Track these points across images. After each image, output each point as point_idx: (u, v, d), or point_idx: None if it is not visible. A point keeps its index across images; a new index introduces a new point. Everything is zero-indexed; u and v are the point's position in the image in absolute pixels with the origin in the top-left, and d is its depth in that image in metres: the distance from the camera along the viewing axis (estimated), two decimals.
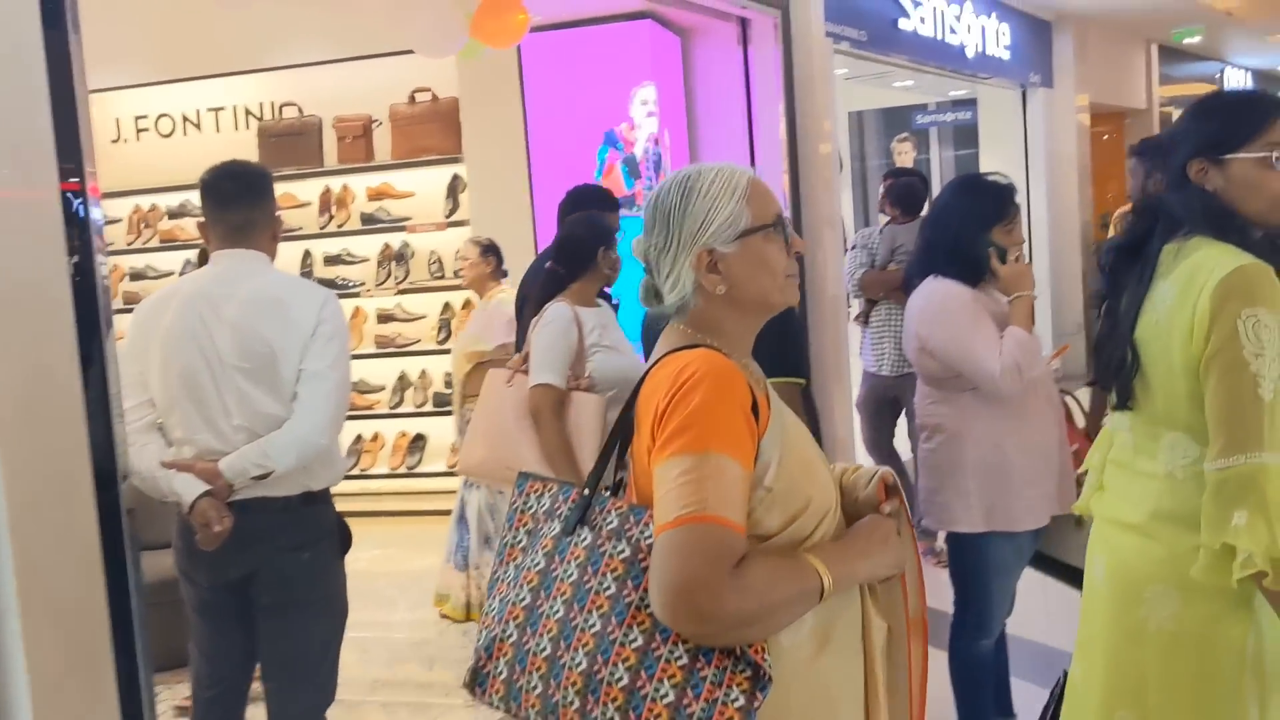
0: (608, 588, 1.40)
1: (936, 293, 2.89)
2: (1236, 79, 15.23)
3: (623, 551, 1.42)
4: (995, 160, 10.00)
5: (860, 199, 10.97)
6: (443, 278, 6.82)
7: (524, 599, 1.49)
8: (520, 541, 1.57)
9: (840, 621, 1.49)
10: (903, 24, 7.59)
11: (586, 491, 1.51)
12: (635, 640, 1.36)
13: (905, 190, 5.51)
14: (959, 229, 2.87)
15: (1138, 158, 4.16)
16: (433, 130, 6.60)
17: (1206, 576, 1.74)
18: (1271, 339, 1.70)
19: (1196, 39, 11.92)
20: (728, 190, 1.51)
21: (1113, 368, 1.91)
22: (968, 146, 11.44)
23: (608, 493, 1.53)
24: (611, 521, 1.46)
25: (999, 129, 10.47)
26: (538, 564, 1.51)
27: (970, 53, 8.90)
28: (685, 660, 1.34)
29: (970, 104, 10.85)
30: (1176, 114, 13.47)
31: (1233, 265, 1.75)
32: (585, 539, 1.47)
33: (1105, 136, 12.56)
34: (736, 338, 1.55)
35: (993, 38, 9.28)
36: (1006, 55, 9.58)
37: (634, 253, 1.60)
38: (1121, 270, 1.94)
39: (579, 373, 3.30)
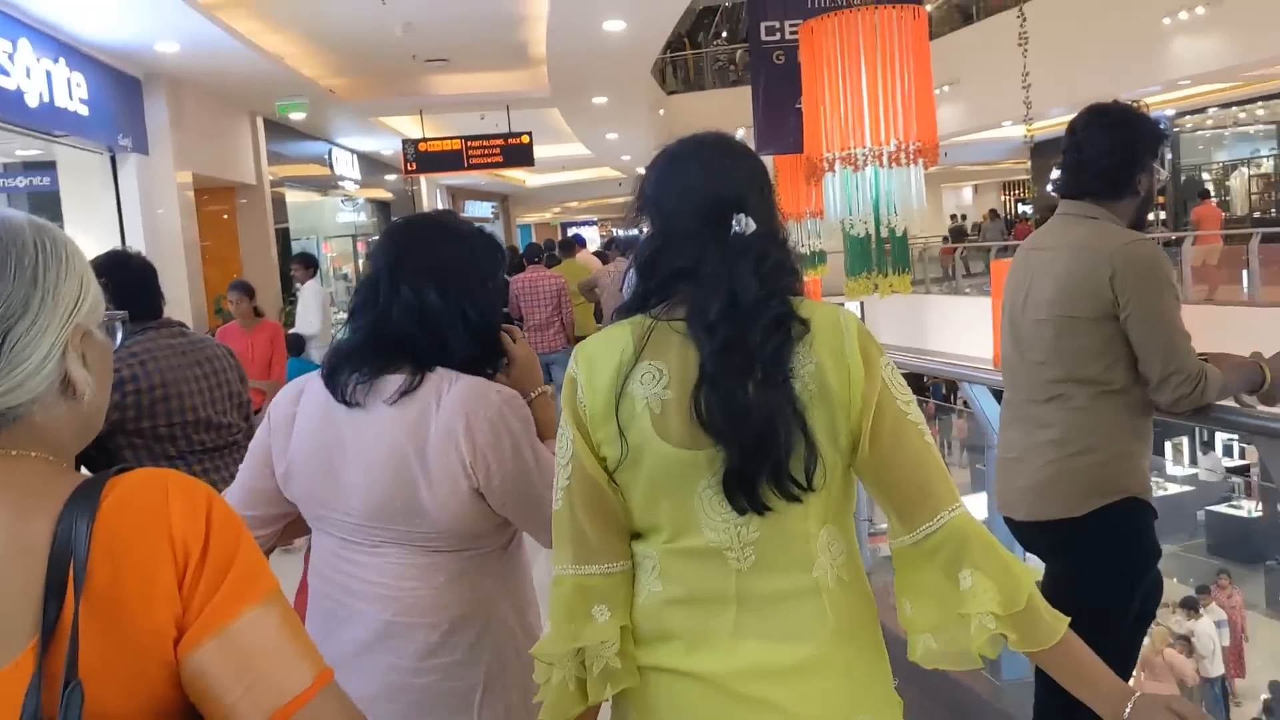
0: None
1: (486, 399, 1.79)
2: (344, 160, 15.56)
3: None
4: (84, 236, 8.43)
5: None
6: None
7: None
8: None
9: None
10: None
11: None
12: None
13: None
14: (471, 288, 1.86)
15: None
16: None
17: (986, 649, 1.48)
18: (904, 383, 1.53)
19: (302, 115, 11.66)
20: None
21: (780, 455, 1.45)
22: (52, 216, 9.66)
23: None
24: None
25: (86, 198, 8.95)
26: None
27: (33, 101, 7.29)
28: None
29: (50, 167, 9.14)
30: (290, 194, 13.24)
31: (842, 308, 1.54)
32: None
33: (224, 215, 11.72)
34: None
35: (64, 87, 7.77)
36: (85, 111, 8.14)
37: None
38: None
39: None
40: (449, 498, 1.71)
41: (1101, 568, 2.45)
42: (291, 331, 8.37)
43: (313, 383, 1.84)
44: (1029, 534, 2.65)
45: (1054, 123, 15.27)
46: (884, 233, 7.43)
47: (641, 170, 1.69)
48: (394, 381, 1.75)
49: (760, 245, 1.49)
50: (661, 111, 19.24)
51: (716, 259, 1.47)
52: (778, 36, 12.88)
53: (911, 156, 7.30)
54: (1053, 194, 2.74)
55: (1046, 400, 2.54)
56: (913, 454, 1.49)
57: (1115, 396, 2.46)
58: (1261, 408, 2.50)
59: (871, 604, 1.57)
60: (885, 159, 7.28)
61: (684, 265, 1.49)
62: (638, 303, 1.55)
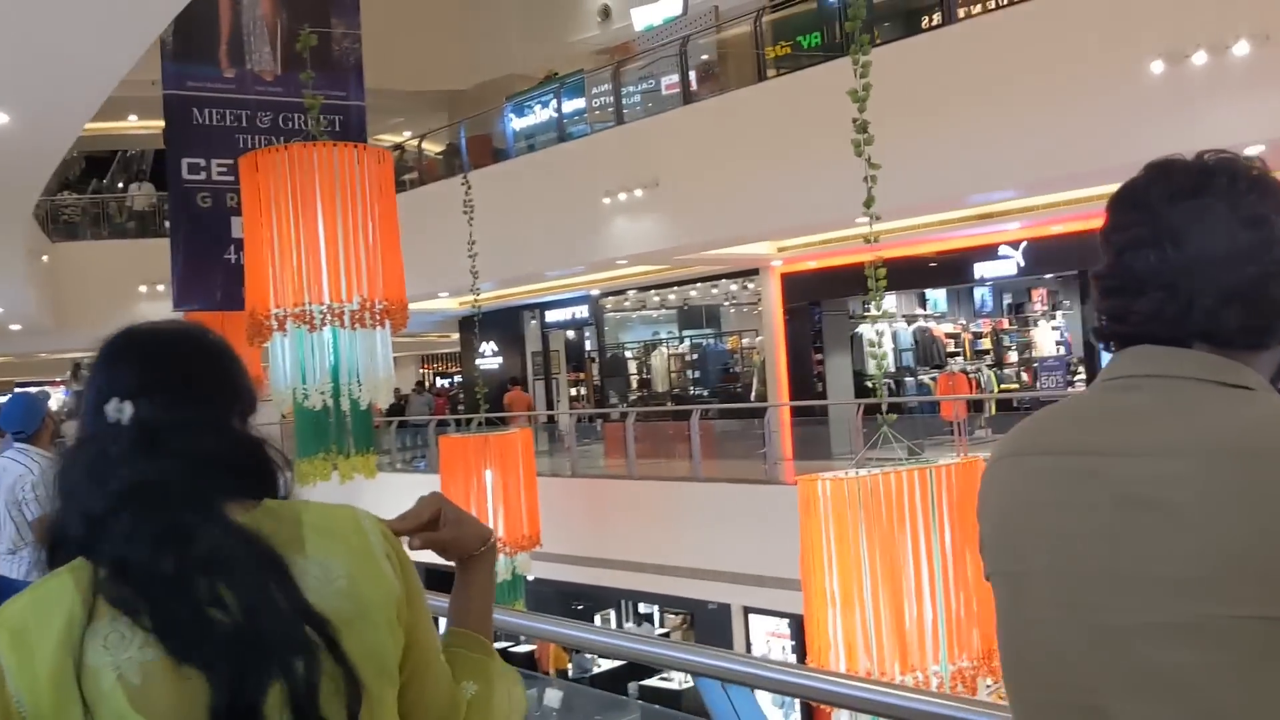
0: None
1: None
2: None
3: None
4: None
5: None
6: None
7: None
8: None
9: None
10: None
11: None
12: None
13: None
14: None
15: None
16: None
17: None
18: None
19: None
20: None
21: (295, 681, 1.17)
22: None
23: None
24: None
25: None
26: None
27: None
28: None
29: None
30: None
31: (357, 508, 1.41)
32: None
33: None
34: None
35: None
36: None
37: None
38: None
39: None
40: None
41: None
42: None
43: None
44: None
45: (493, 295, 15.12)
46: (344, 404, 6.25)
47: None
48: None
49: (136, 442, 1.22)
50: (45, 258, 16.42)
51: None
52: (203, 176, 11.16)
53: (378, 317, 6.23)
54: (1097, 341, 1.32)
55: None
56: (446, 686, 1.37)
57: None
58: None
59: None
60: (347, 318, 6.13)
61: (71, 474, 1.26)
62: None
